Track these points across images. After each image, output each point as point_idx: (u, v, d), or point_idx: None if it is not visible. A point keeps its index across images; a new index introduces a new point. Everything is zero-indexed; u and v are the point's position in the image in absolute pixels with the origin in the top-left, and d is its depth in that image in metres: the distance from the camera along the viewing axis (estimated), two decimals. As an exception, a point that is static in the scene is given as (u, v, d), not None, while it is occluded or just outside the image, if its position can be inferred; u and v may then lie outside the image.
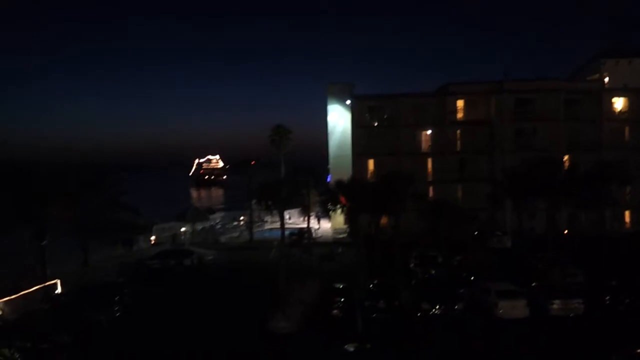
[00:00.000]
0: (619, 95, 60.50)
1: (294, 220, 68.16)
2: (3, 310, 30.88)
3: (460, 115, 60.64)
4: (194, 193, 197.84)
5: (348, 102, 62.80)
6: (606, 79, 66.44)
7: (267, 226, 66.73)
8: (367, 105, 61.28)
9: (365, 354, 23.10)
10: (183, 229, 60.40)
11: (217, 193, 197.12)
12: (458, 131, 60.10)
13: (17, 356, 12.99)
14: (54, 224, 37.89)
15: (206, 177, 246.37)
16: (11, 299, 31.88)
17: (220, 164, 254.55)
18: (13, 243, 42.21)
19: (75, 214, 39.85)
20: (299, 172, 59.69)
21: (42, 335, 22.35)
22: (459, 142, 59.96)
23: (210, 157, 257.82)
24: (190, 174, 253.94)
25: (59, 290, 36.12)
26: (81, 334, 25.66)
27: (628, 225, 57.03)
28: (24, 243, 39.96)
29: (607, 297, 30.63)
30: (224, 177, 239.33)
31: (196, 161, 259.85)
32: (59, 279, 36.82)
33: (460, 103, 60.76)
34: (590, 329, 26.67)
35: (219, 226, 67.42)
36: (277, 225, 57.53)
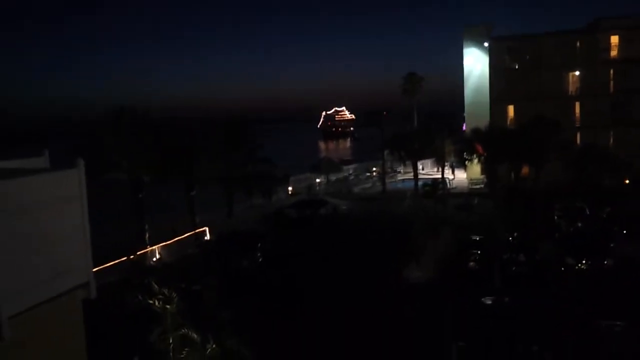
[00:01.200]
0: None
1: (427, 170, 67.04)
2: (161, 255, 34.36)
3: (614, 53, 54.70)
4: (322, 145, 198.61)
5: (486, 44, 59.28)
6: None
7: (400, 177, 66.32)
8: (506, 47, 57.53)
9: (503, 307, 22.35)
10: (318, 180, 62.13)
11: (345, 145, 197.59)
12: (611, 71, 54.37)
13: (174, 295, 14.26)
14: (201, 176, 41.04)
15: (334, 129, 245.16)
16: (167, 244, 35.33)
17: (348, 116, 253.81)
18: (167, 194, 46.51)
19: (220, 167, 42.77)
20: (432, 121, 58.31)
21: (194, 278, 24.50)
22: (611, 83, 54.33)
23: (337, 108, 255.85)
24: (318, 126, 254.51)
25: (207, 237, 39.23)
26: (227, 277, 27.74)
27: None
28: (176, 193, 43.87)
29: None
30: (352, 128, 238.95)
31: (323, 113, 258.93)
32: (207, 226, 39.95)
33: (614, 39, 54.77)
34: None
35: (352, 177, 68.37)
36: (411, 175, 57.09)
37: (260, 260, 32.24)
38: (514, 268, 27.79)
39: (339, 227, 41.81)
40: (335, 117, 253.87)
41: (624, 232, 32.47)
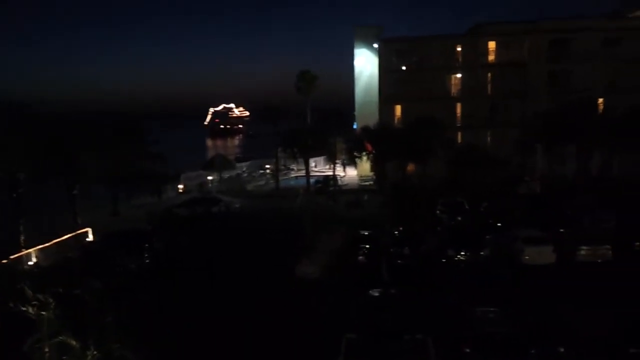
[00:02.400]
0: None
1: (319, 167, 68.24)
2: (38, 258, 32.01)
3: (491, 57, 58.69)
4: (211, 143, 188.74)
5: (375, 45, 61.26)
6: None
7: (293, 174, 66.91)
8: (394, 49, 59.69)
9: (389, 299, 23.23)
10: (210, 178, 61.05)
11: (237, 142, 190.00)
12: (489, 74, 58.32)
13: (51, 301, 13.41)
14: (84, 173, 38.80)
15: (222, 126, 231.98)
16: (45, 246, 32.96)
17: (236, 113, 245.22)
18: (48, 193, 43.43)
19: (106, 164, 40.66)
20: (325, 120, 59.30)
21: (74, 281, 23.06)
22: (489, 86, 58.30)
23: (226, 105, 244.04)
24: (206, 123, 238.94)
25: (90, 238, 37.15)
26: (112, 280, 26.42)
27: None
28: (56, 192, 41.10)
29: (638, 244, 30.00)
30: (240, 126, 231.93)
31: (211, 110, 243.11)
32: (90, 227, 37.83)
33: (492, 44, 58.69)
34: (616, 275, 26.16)
35: (245, 174, 67.92)
36: (303, 173, 57.73)
37: (147, 261, 31.05)
38: (399, 261, 29.03)
39: (232, 225, 41.40)
40: (226, 114, 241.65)
41: (498, 224, 34.97)
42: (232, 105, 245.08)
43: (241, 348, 20.06)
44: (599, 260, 28.41)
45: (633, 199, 38.82)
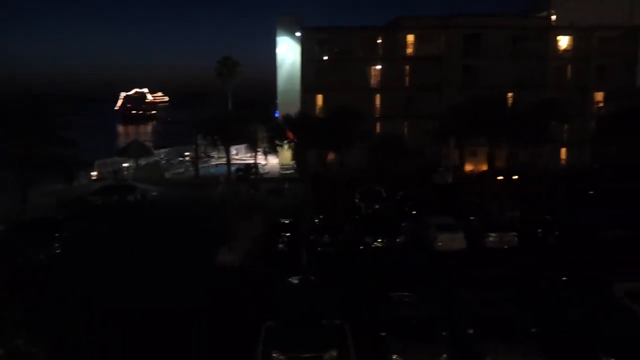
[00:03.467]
0: (565, 34, 61.22)
1: (241, 155, 67.66)
2: None
3: (410, 50, 60.23)
4: (123, 129, 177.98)
5: (298, 34, 61.30)
6: (554, 17, 66.98)
7: (214, 162, 65.89)
8: (317, 38, 59.94)
9: (308, 286, 23.60)
10: (126, 165, 58.93)
11: (153, 128, 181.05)
12: (407, 67, 59.88)
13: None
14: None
15: (134, 111, 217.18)
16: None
17: (150, 98, 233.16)
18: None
19: (11, 148, 38.27)
20: (246, 107, 58.73)
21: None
22: (407, 78, 59.86)
23: (138, 90, 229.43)
24: (116, 108, 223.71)
25: (-6, 227, 34.92)
26: (19, 271, 25.08)
27: (564, 162, 59.32)
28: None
29: (540, 230, 32.18)
30: (154, 111, 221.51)
31: (122, 95, 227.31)
32: (-6, 215, 35.56)
33: (410, 38, 60.15)
34: (521, 259, 28.02)
35: (163, 162, 66.09)
36: (224, 161, 57.01)
37: (58, 251, 29.65)
38: (319, 248, 29.51)
39: (149, 213, 40.32)
40: (140, 99, 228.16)
41: (414, 212, 36.35)
42: (145, 90, 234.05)
43: (158, 340, 19.67)
44: (506, 246, 30.23)
45: (536, 189, 41.57)
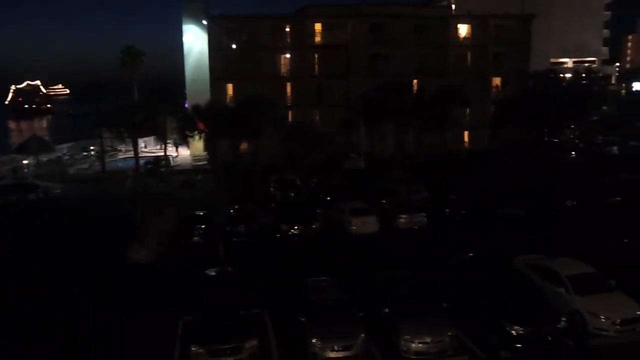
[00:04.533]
0: (463, 22, 64.20)
1: (150, 148, 65.58)
2: None
3: (318, 39, 60.76)
4: (11, 125, 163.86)
5: (205, 22, 59.98)
6: (453, 6, 70.08)
7: (122, 156, 63.36)
8: (224, 27, 59.01)
9: (225, 277, 23.50)
10: (25, 162, 55.30)
11: (41, 124, 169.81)
12: (316, 55, 60.42)
13: None
14: None
15: (26, 105, 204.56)
16: None
17: (43, 90, 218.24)
18: None
19: None
20: (154, 98, 56.85)
21: None
22: (317, 67, 60.46)
23: (30, 82, 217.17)
24: (7, 102, 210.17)
25: None
26: None
27: (467, 145, 62.52)
28: None
29: (447, 210, 33.83)
30: (49, 105, 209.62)
31: (12, 87, 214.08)
32: None
33: (318, 26, 60.69)
34: (431, 238, 29.38)
35: (66, 157, 62.64)
36: (132, 154, 54.98)
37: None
38: (235, 239, 29.38)
39: (53, 212, 38.23)
40: (34, 93, 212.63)
41: (328, 198, 36.98)
42: (37, 82, 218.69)
43: (71, 341, 18.83)
44: (416, 227, 31.51)
45: (442, 171, 43.58)
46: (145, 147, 64.65)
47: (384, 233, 30.67)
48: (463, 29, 64.08)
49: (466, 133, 62.71)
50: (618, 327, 17.90)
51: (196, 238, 29.77)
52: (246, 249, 28.30)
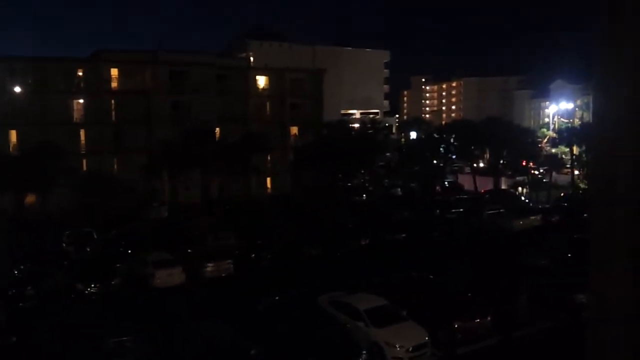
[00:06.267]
0: (261, 74, 67.43)
1: None
2: None
3: (115, 84, 58.63)
4: None
5: (-17, 62, 53.84)
6: (252, 58, 73.28)
7: None
8: (8, 68, 53.64)
9: (4, 350, 20.73)
10: None
11: None
12: (113, 101, 58.02)
13: None
14: None
15: None
16: None
17: None
18: None
19: None
20: None
21: None
22: (114, 113, 57.99)
23: None
24: None
25: None
26: None
27: (269, 190, 64.70)
28: None
29: (253, 255, 34.42)
30: None
31: None
32: None
33: (114, 71, 58.66)
34: (238, 284, 29.45)
35: None
36: None
37: None
38: (21, 303, 26.19)
39: None
40: None
41: (129, 251, 35.04)
42: None
43: None
44: (223, 274, 31.39)
45: (247, 216, 44.33)
46: None
47: (190, 284, 29.96)
48: (262, 80, 67.19)
49: (269, 179, 64.96)
50: (411, 353, 19.77)
51: (-29, 306, 25.81)
52: (36, 313, 25.35)
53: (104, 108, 57.19)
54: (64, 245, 37.02)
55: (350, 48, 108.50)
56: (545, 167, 64.32)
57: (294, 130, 67.98)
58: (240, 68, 66.64)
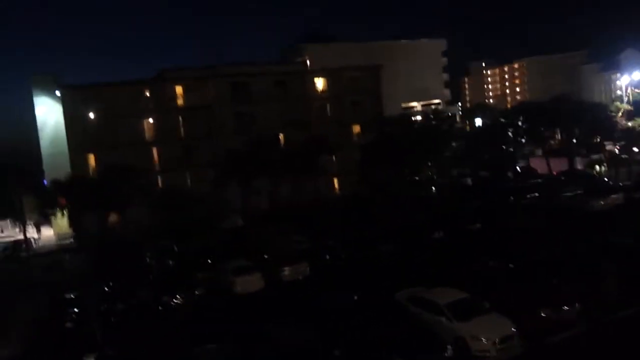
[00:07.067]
0: (319, 76, 67.73)
1: (7, 232, 60.01)
2: None
3: (180, 101, 60.62)
4: None
5: (58, 93, 57.21)
6: (308, 62, 73.78)
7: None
8: (80, 96, 56.65)
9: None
10: None
11: None
12: (180, 117, 60.03)
13: None
14: None
15: None
16: None
17: None
18: None
19: None
20: (5, 176, 52.55)
21: None
22: (182, 129, 59.97)
23: None
24: None
25: None
26: None
27: (337, 191, 64.89)
28: None
29: (327, 256, 34.63)
30: None
31: None
32: None
33: (178, 89, 60.66)
34: (315, 285, 29.59)
35: None
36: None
37: None
38: (113, 319, 27.55)
39: None
40: None
41: (209, 261, 36.10)
42: None
43: None
44: (300, 277, 31.76)
45: (320, 219, 44.59)
46: (2, 231, 59.12)
47: (269, 288, 30.49)
48: (320, 83, 67.49)
49: (335, 179, 65.13)
50: (498, 346, 19.23)
51: (69, 323, 27.44)
52: (128, 327, 26.60)
53: (173, 125, 59.19)
54: (148, 260, 38.67)
55: (404, 41, 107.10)
56: (623, 142, 60.72)
57: (357, 129, 67.85)
58: (298, 72, 67.26)
